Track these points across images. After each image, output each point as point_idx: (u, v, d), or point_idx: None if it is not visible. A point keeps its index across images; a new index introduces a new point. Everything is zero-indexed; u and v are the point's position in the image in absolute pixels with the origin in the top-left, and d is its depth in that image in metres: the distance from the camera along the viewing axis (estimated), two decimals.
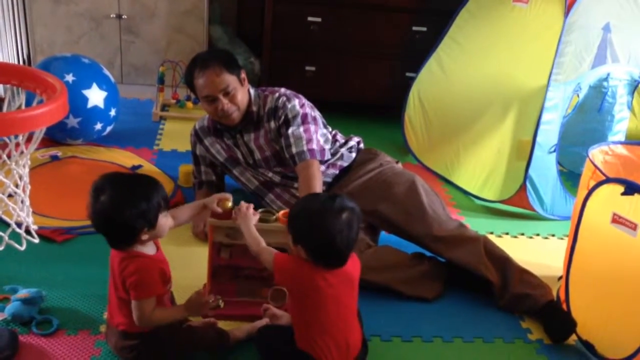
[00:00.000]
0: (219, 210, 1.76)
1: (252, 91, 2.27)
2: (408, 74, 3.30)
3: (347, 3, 3.26)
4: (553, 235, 2.60)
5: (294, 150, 2.16)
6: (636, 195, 1.69)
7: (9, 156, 1.91)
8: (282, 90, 2.29)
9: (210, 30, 3.51)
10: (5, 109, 2.19)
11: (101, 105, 2.76)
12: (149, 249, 1.60)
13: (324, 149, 2.23)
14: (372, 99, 3.49)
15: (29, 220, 2.02)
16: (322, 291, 1.56)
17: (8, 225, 1.96)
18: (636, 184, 1.71)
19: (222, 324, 1.79)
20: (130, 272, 1.54)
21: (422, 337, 1.93)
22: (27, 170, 1.97)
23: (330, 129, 2.38)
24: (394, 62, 3.37)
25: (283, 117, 2.21)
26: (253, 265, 1.86)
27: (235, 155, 2.35)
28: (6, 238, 1.94)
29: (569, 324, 1.94)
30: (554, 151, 2.61)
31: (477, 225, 2.51)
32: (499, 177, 2.71)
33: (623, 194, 1.71)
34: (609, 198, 1.77)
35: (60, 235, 2.18)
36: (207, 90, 2.14)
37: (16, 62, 3.25)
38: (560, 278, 2.09)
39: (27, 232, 2.01)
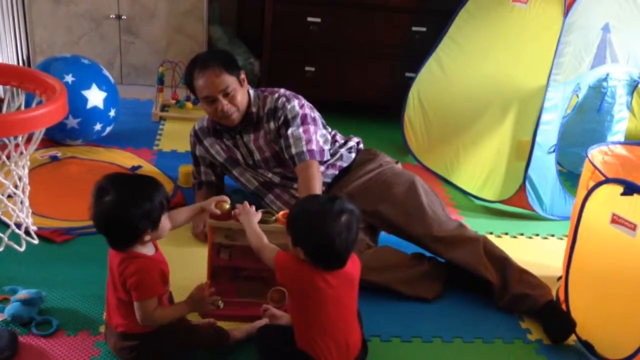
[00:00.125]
0: (217, 212, 1.77)
1: (251, 92, 2.27)
2: (408, 74, 3.30)
3: (346, 3, 3.26)
4: (552, 236, 2.60)
5: (293, 150, 2.16)
6: (635, 195, 1.69)
7: (8, 157, 1.91)
8: (282, 90, 2.29)
9: (210, 30, 3.51)
10: (4, 109, 2.20)
11: (101, 105, 2.77)
12: (148, 250, 1.60)
13: (323, 150, 2.23)
14: (372, 99, 3.49)
15: (29, 221, 2.02)
16: (323, 292, 1.56)
17: (7, 226, 1.96)
18: (635, 185, 1.71)
19: (221, 325, 1.79)
20: (130, 272, 1.54)
21: (422, 337, 1.93)
22: (26, 171, 1.97)
23: (329, 130, 2.39)
24: (394, 62, 3.38)
25: (282, 118, 2.21)
26: (252, 266, 1.86)
27: (235, 156, 2.35)
28: (5, 239, 1.94)
29: (569, 324, 1.94)
30: (554, 151, 2.62)
31: (476, 225, 2.51)
32: (498, 177, 2.72)
33: (622, 194, 1.71)
34: (608, 198, 1.77)
35: (59, 236, 2.18)
36: (206, 91, 2.14)
37: (16, 63, 3.25)
38: (559, 278, 2.09)
39: (27, 233, 2.01)
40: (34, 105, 1.95)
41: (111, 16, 3.33)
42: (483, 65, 2.79)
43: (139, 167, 2.75)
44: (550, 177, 2.65)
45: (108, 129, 2.89)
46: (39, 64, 2.84)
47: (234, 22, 3.77)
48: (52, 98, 1.82)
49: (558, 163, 2.70)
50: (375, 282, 2.03)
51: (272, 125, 2.24)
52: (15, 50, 3.24)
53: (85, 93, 2.71)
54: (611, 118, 2.89)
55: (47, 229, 2.19)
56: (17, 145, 1.91)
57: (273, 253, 1.64)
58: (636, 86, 2.86)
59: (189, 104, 3.36)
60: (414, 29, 3.29)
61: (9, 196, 1.96)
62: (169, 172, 2.72)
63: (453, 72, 2.91)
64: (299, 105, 2.23)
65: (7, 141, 1.91)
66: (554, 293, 2.08)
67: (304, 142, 2.16)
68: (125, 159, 2.80)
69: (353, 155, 2.37)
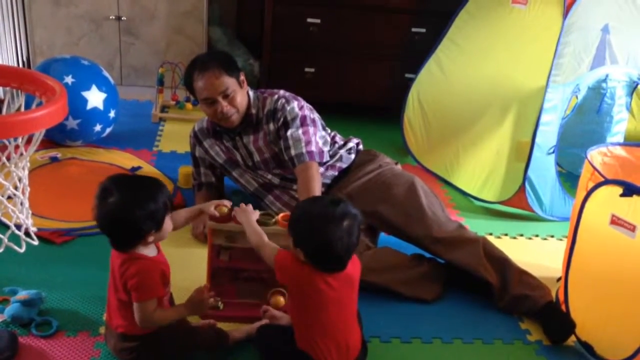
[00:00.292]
0: (216, 214, 1.77)
1: (251, 93, 2.27)
2: (407, 75, 3.30)
3: (346, 4, 3.26)
4: (552, 236, 2.60)
5: (292, 152, 2.16)
6: (635, 196, 1.69)
7: (8, 158, 1.91)
8: (281, 92, 2.29)
9: (209, 31, 3.51)
10: (4, 111, 2.20)
11: (100, 106, 2.77)
12: (150, 251, 1.60)
13: (322, 151, 2.23)
14: (372, 100, 3.49)
15: (29, 222, 2.02)
16: (323, 293, 1.56)
17: (7, 227, 1.96)
18: (635, 186, 1.71)
19: (221, 325, 1.80)
20: (131, 274, 1.54)
21: (422, 338, 1.93)
22: (26, 172, 1.97)
23: (329, 131, 2.39)
24: (394, 63, 3.38)
25: (282, 119, 2.21)
26: (252, 267, 1.87)
27: (235, 157, 2.35)
28: (5, 240, 1.94)
29: (568, 325, 1.94)
30: (553, 152, 2.62)
31: (476, 226, 2.51)
32: (498, 178, 2.72)
33: (622, 195, 1.71)
34: (607, 199, 1.78)
35: (59, 237, 2.18)
36: (206, 93, 2.14)
37: (16, 64, 3.25)
38: (559, 279, 2.10)
39: (27, 234, 2.01)
40: (34, 106, 1.95)
41: (111, 17, 3.33)
42: (483, 66, 2.79)
43: (139, 168, 2.75)
44: (550, 178, 2.65)
45: (108, 130, 2.89)
46: (39, 65, 2.84)
47: (234, 23, 3.77)
48: (52, 99, 1.82)
49: (557, 164, 2.70)
50: (375, 283, 2.03)
51: (271, 126, 2.24)
52: (15, 51, 3.25)
53: (85, 94, 2.71)
54: (610, 119, 2.89)
55: (46, 230, 2.19)
56: (17, 147, 1.91)
57: (274, 252, 1.64)
58: (635, 87, 2.86)
59: (189, 105, 3.37)
60: (413, 30, 3.29)
61: (9, 197, 1.96)
62: (169, 173, 2.72)
63: (453, 73, 2.91)
64: (298, 106, 2.23)
65: (7, 142, 1.91)
66: (553, 294, 2.08)
67: (303, 144, 2.16)
68: (125, 160, 2.80)
69: (352, 156, 2.37)
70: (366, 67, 3.39)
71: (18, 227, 1.99)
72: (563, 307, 1.99)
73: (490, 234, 2.55)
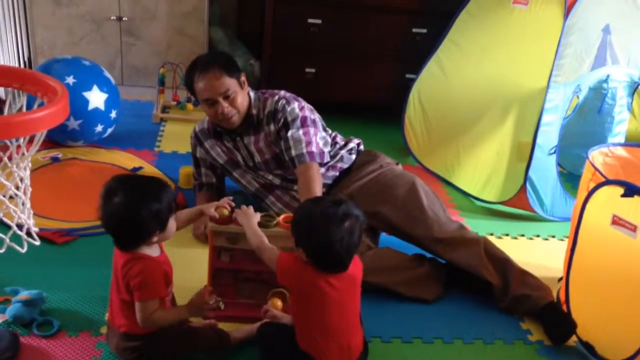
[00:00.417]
0: (217, 215, 1.77)
1: (251, 94, 2.27)
2: (408, 76, 3.30)
3: (347, 5, 3.26)
4: (553, 237, 2.60)
5: (293, 152, 2.17)
6: (636, 197, 1.69)
7: (10, 158, 1.92)
8: (282, 93, 2.29)
9: (210, 32, 3.51)
10: (6, 111, 2.20)
11: (102, 107, 2.77)
12: (153, 251, 1.60)
13: (323, 152, 2.23)
14: (372, 100, 3.50)
15: (30, 222, 2.02)
16: (326, 294, 1.56)
17: (9, 227, 1.96)
18: (636, 186, 1.71)
19: (222, 326, 1.80)
20: (134, 273, 1.54)
21: (423, 338, 1.93)
22: (28, 172, 1.97)
23: (330, 132, 2.38)
24: (394, 63, 3.38)
25: (282, 120, 2.21)
26: (253, 268, 1.87)
27: (235, 158, 2.35)
28: (7, 240, 1.94)
29: (569, 326, 1.94)
30: (554, 153, 2.62)
31: (477, 226, 2.51)
32: (499, 178, 2.72)
33: (623, 195, 1.72)
34: (608, 200, 1.78)
35: (60, 237, 2.18)
36: (207, 94, 2.15)
37: (17, 64, 3.25)
38: (560, 279, 2.09)
39: (28, 234, 2.01)
40: (35, 107, 1.96)
41: (112, 18, 3.33)
42: (483, 67, 2.79)
43: (140, 168, 2.75)
44: (551, 178, 2.65)
45: (109, 130, 2.90)
46: (40, 66, 2.85)
47: (235, 23, 3.78)
48: (54, 100, 1.82)
49: (558, 164, 2.70)
50: (376, 284, 2.03)
51: (272, 127, 2.24)
52: (16, 51, 3.25)
53: (86, 94, 2.72)
54: (612, 119, 2.89)
55: (48, 230, 2.19)
56: (18, 147, 1.91)
57: (275, 254, 1.64)
58: (636, 88, 2.86)
59: (190, 105, 3.37)
60: (414, 30, 3.29)
61: (11, 197, 1.96)
62: (170, 173, 2.72)
63: (453, 73, 2.91)
64: (298, 107, 2.23)
65: (8, 143, 1.92)
66: (554, 294, 2.08)
67: (303, 144, 2.16)
68: (126, 160, 2.80)
69: (353, 156, 2.37)
70: (367, 67, 3.39)
71: (20, 227, 1.99)
72: (564, 308, 1.99)
73: (492, 234, 2.55)
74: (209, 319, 1.80)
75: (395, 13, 3.27)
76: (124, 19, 3.34)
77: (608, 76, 2.75)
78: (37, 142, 1.90)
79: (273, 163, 2.30)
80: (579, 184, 1.96)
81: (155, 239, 1.57)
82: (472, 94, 2.82)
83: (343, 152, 2.35)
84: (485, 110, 2.76)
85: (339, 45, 3.34)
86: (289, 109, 2.21)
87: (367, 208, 2.08)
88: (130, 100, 3.43)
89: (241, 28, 3.78)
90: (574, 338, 1.96)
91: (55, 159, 2.73)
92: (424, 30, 3.28)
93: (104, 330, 1.78)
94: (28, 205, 2.01)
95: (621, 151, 2.11)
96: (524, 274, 2.09)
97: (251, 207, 1.79)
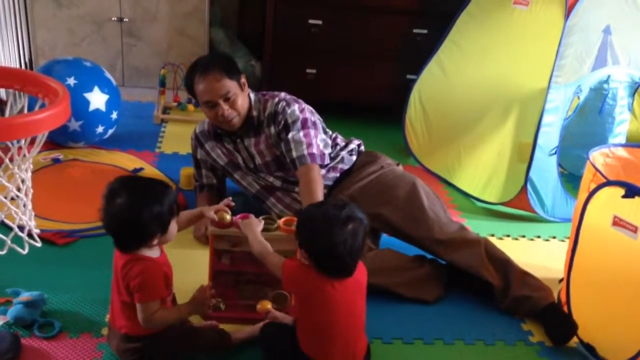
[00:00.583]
0: (216, 218, 1.77)
1: (252, 96, 2.27)
2: (409, 76, 3.30)
3: (347, 5, 3.26)
4: (554, 238, 2.60)
5: (294, 154, 2.16)
6: (637, 198, 1.69)
7: (11, 160, 1.92)
8: (282, 94, 2.29)
9: (211, 32, 3.51)
10: (7, 113, 2.20)
11: (103, 108, 2.77)
12: (153, 252, 1.61)
13: (324, 154, 2.23)
14: (373, 101, 3.49)
15: (32, 224, 2.02)
16: (332, 299, 1.56)
17: (10, 229, 1.96)
18: (637, 187, 1.71)
19: (223, 327, 1.80)
20: (134, 274, 1.55)
21: (424, 339, 1.93)
22: (29, 174, 1.97)
23: (330, 133, 2.38)
24: (395, 64, 3.38)
25: (283, 122, 2.21)
26: (254, 270, 1.87)
27: (236, 160, 2.35)
28: (8, 242, 1.95)
29: (570, 327, 1.94)
30: (555, 153, 2.62)
31: (478, 227, 2.51)
32: (500, 179, 2.72)
33: (624, 196, 1.71)
34: (609, 201, 1.77)
35: (61, 238, 2.18)
36: (207, 97, 2.15)
37: (18, 65, 3.25)
38: (561, 280, 2.09)
39: (29, 235, 2.01)
40: (36, 108, 1.96)
41: (113, 19, 3.33)
42: (484, 67, 2.79)
43: (141, 169, 2.75)
44: (552, 179, 2.65)
45: (110, 132, 2.90)
46: (41, 67, 2.85)
47: (235, 24, 3.78)
48: (55, 101, 1.82)
49: (559, 165, 2.70)
50: (377, 285, 2.02)
51: (272, 129, 2.24)
52: (17, 53, 3.25)
53: (87, 96, 2.72)
54: (612, 120, 2.89)
55: (48, 231, 2.19)
56: (20, 149, 1.91)
57: (280, 261, 1.64)
58: (637, 88, 2.86)
59: (191, 106, 3.37)
60: (415, 31, 3.29)
61: (12, 199, 1.96)
62: (171, 174, 2.72)
63: (454, 74, 2.91)
64: (299, 109, 2.23)
65: (10, 144, 1.92)
66: (555, 295, 2.08)
67: (304, 146, 2.16)
68: (127, 161, 2.81)
69: (354, 157, 2.37)
70: (368, 68, 3.39)
71: (21, 228, 1.99)
72: (565, 309, 1.99)
73: (492, 235, 2.55)
74: (210, 319, 1.80)
75: (396, 14, 3.27)
76: (124, 20, 3.34)
77: (609, 77, 2.75)
78: (39, 143, 1.90)
79: (274, 165, 2.30)
80: (579, 184, 1.97)
81: (156, 241, 1.57)
82: (473, 95, 2.82)
83: (344, 153, 2.35)
84: (486, 111, 2.76)
85: (339, 46, 3.34)
86: (289, 111, 2.21)
87: (368, 209, 2.07)
88: (131, 101, 3.43)
89: (242, 29, 3.78)
90: (574, 339, 1.96)
91: (56, 160, 2.73)
92: (425, 31, 3.28)
93: (105, 331, 1.78)
94: (29, 206, 2.01)
95: (622, 152, 2.11)
96: (525, 275, 2.09)
97: (252, 216, 1.79)
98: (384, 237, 2.31)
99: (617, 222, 1.75)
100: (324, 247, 1.53)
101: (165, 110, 3.41)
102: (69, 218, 2.30)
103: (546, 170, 2.62)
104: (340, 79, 3.42)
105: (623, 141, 2.92)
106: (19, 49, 3.27)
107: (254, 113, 2.25)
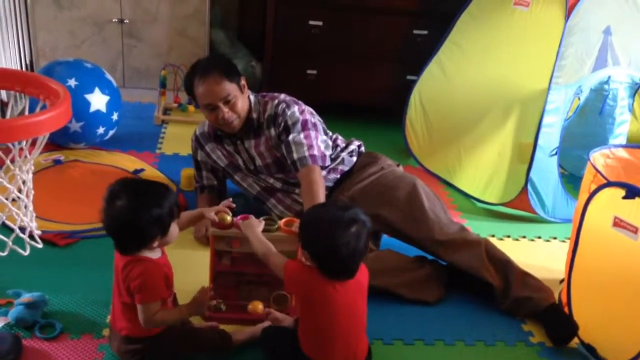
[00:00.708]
0: (217, 219, 1.78)
1: (252, 97, 2.27)
2: (409, 77, 3.29)
3: (348, 6, 3.26)
4: (555, 238, 2.60)
5: (295, 156, 2.16)
6: (637, 199, 1.69)
7: (12, 161, 1.92)
8: (282, 96, 2.29)
9: (211, 33, 3.51)
10: (8, 114, 2.20)
11: (103, 109, 2.77)
12: (154, 253, 1.61)
13: (324, 155, 2.23)
14: (374, 102, 3.49)
15: (33, 225, 2.02)
16: (333, 300, 1.56)
17: (11, 230, 1.97)
18: (637, 188, 1.71)
19: (223, 328, 1.80)
20: (134, 275, 1.55)
21: (424, 340, 1.93)
22: (30, 175, 1.97)
23: (330, 135, 2.38)
24: (395, 65, 3.38)
25: (283, 124, 2.21)
26: (254, 271, 1.87)
27: (236, 162, 2.35)
28: (10, 243, 1.95)
29: (571, 327, 1.94)
30: (555, 154, 2.62)
31: (478, 228, 2.51)
32: (500, 180, 2.72)
33: (624, 197, 1.72)
34: (610, 202, 1.78)
35: (62, 239, 2.19)
36: (207, 99, 2.15)
37: (19, 67, 3.26)
38: (562, 281, 2.09)
39: (31, 236, 2.02)
40: (38, 109, 1.96)
41: (113, 20, 3.34)
42: (484, 68, 2.79)
43: (142, 170, 2.76)
44: (552, 179, 2.65)
45: (111, 133, 2.90)
46: (42, 68, 2.85)
47: (236, 25, 3.78)
48: (56, 103, 1.83)
49: (560, 166, 2.70)
50: (377, 286, 2.02)
51: (272, 131, 2.24)
52: (18, 54, 3.25)
53: (88, 97, 2.72)
54: (613, 121, 2.89)
55: (49, 232, 2.19)
56: (21, 150, 1.92)
57: (282, 261, 1.64)
58: (638, 89, 2.86)
59: (191, 107, 3.37)
60: (415, 32, 3.29)
61: (13, 200, 1.97)
62: (172, 175, 2.72)
63: (454, 74, 2.91)
64: (299, 111, 2.23)
65: (11, 146, 1.92)
66: (556, 296, 2.08)
67: (305, 148, 2.16)
68: (127, 162, 2.81)
69: (354, 158, 2.37)
70: (368, 69, 3.39)
71: (22, 229, 1.99)
72: (566, 309, 1.99)
73: (493, 236, 2.55)
74: (210, 320, 1.80)
75: (396, 14, 3.27)
76: (125, 21, 3.35)
77: (609, 77, 2.75)
78: (40, 144, 1.90)
79: (274, 167, 2.30)
80: (580, 185, 1.97)
81: (156, 243, 1.57)
82: (473, 96, 2.82)
83: (344, 154, 2.35)
84: (486, 112, 2.76)
85: (340, 47, 3.34)
86: (289, 112, 2.21)
87: (368, 210, 2.06)
88: (131, 103, 3.43)
89: (242, 30, 3.79)
90: (575, 340, 1.96)
91: (57, 162, 2.74)
92: (425, 32, 3.28)
93: (106, 332, 1.78)
94: (30, 207, 2.01)
95: (622, 153, 2.11)
96: (525, 276, 2.09)
97: (252, 217, 1.79)
98: (385, 237, 2.31)
99: (618, 223, 1.75)
100: (327, 249, 1.53)
101: (166, 111, 3.41)
102: (70, 219, 2.31)
103: (547, 171, 2.62)
104: (340, 80, 3.42)
105: (623, 142, 2.92)
106: (20, 50, 3.28)
107: (254, 115, 2.25)
